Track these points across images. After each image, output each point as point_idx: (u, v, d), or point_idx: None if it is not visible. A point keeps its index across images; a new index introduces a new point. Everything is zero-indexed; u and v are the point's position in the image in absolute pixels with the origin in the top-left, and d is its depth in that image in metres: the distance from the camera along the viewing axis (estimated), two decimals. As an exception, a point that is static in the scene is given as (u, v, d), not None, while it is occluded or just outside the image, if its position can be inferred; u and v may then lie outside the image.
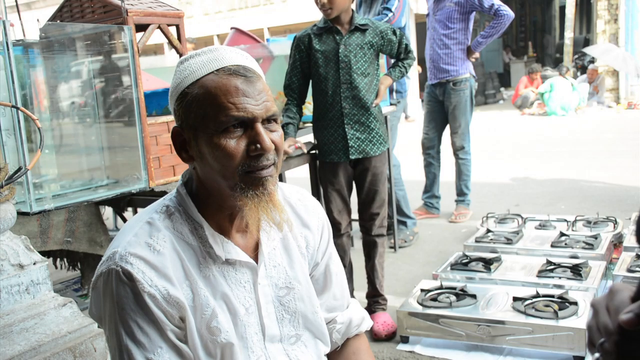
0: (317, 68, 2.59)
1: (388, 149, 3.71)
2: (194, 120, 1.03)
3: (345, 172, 2.72)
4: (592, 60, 11.63)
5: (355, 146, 2.64)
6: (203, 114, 1.01)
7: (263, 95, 1.03)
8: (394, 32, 2.65)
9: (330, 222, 2.73)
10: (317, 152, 2.84)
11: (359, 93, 2.58)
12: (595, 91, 11.06)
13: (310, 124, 2.92)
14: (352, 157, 2.65)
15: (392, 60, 2.84)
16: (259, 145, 1.01)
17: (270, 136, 1.03)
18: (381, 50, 2.67)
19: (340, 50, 2.55)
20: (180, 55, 2.65)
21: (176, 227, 1.06)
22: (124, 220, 3.49)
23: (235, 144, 1.01)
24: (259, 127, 1.02)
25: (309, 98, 2.84)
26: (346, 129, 2.62)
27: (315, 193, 3.21)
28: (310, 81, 2.72)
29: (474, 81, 4.42)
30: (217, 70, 1.02)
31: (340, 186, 2.71)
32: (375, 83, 2.66)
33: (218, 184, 1.05)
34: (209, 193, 1.08)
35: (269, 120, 1.04)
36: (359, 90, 2.58)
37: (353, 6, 2.63)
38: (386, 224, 2.85)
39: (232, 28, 3.70)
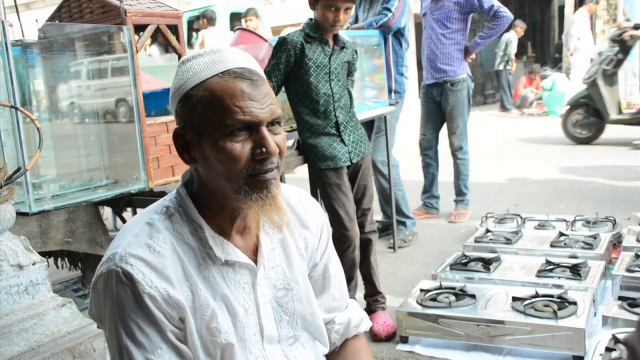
0: (308, 77, 2.60)
1: (387, 146, 3.74)
2: (198, 122, 1.03)
3: (346, 175, 2.73)
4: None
5: (354, 150, 2.72)
6: (208, 117, 1.01)
7: (268, 98, 1.03)
8: (356, 52, 2.84)
9: (340, 234, 2.71)
10: (305, 156, 2.81)
11: (347, 102, 2.74)
12: (594, 91, 11.03)
13: None
14: (354, 161, 2.70)
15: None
16: (264, 149, 1.01)
17: (274, 139, 1.03)
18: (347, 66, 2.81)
19: (331, 64, 2.63)
20: (179, 56, 2.64)
21: (176, 228, 1.06)
22: (123, 220, 3.48)
23: (241, 147, 1.01)
24: (265, 130, 1.02)
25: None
26: (343, 136, 2.69)
27: (315, 193, 3.19)
28: (292, 87, 2.70)
29: (471, 81, 4.42)
30: (222, 72, 1.02)
31: (347, 188, 2.71)
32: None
33: (222, 187, 1.05)
34: (210, 194, 1.08)
35: (272, 123, 1.04)
36: (346, 99, 2.74)
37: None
38: (374, 220, 2.88)
39: (237, 29, 3.72)
